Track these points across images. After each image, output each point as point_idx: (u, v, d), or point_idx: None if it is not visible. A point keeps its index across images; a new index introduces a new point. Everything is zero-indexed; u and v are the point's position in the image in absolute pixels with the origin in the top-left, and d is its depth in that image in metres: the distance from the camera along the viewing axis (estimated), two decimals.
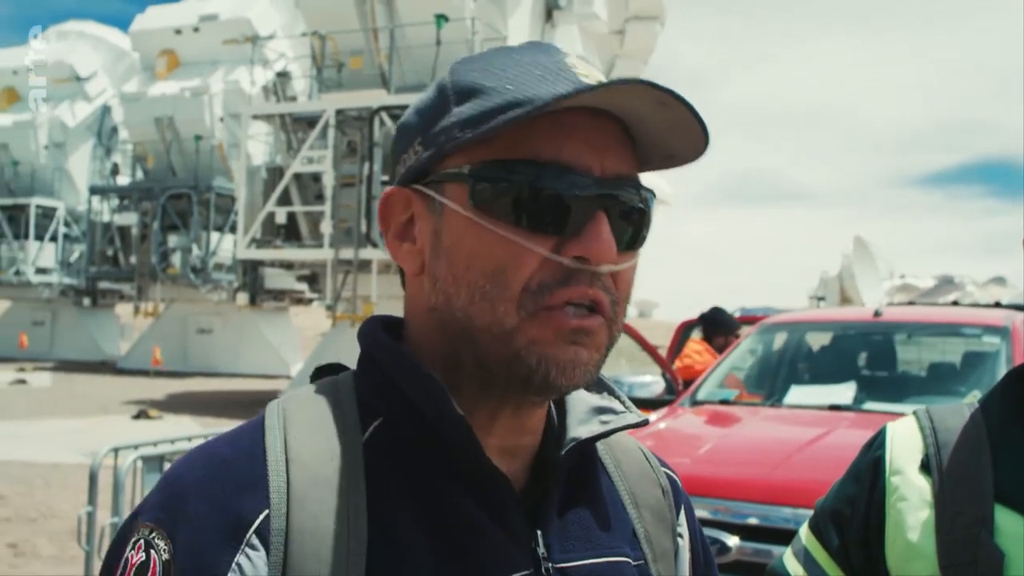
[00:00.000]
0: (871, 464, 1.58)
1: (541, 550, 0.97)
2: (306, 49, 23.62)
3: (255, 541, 0.86)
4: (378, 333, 1.01)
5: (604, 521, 1.05)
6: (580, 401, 1.07)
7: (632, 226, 0.96)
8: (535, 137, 0.91)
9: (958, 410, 1.55)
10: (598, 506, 1.05)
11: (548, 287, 0.91)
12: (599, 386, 1.09)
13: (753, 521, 4.11)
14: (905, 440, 1.55)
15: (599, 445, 1.10)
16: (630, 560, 1.04)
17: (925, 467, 1.50)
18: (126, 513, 5.21)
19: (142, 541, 0.88)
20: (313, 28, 22.01)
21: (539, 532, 0.98)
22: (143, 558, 0.87)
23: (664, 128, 0.94)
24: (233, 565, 0.85)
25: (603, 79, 0.94)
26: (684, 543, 1.15)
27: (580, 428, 1.04)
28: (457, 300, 0.93)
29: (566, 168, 0.91)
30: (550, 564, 0.97)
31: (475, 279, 0.92)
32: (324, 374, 1.06)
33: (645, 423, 1.08)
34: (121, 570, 0.89)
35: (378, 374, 0.99)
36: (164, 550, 0.87)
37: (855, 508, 1.57)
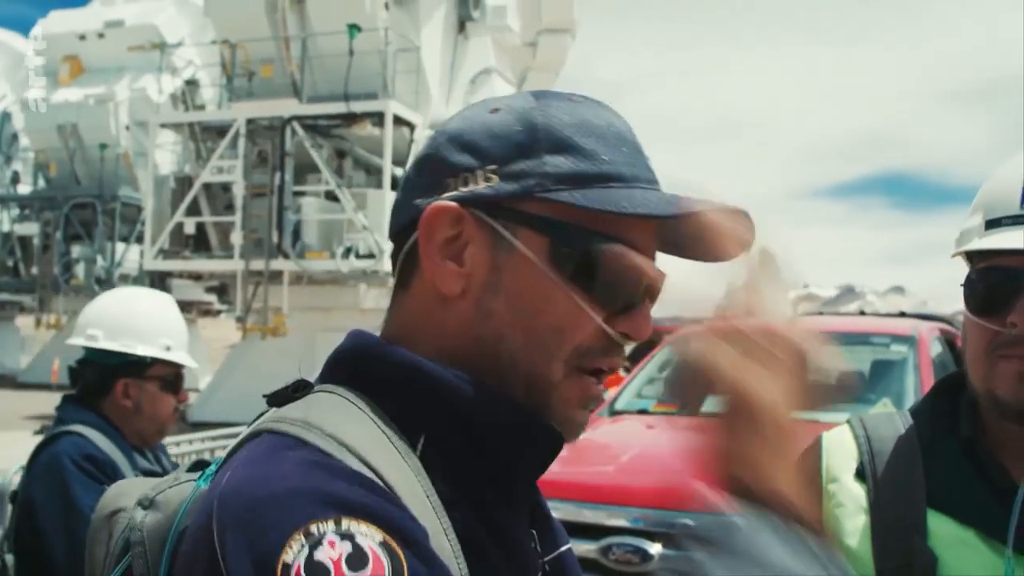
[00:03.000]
0: (808, 472, 1.62)
1: (537, 547, 1.03)
2: (215, 57, 23.23)
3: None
4: (401, 349, 0.97)
5: (549, 513, 1.12)
6: None
7: None
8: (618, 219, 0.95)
9: (890, 419, 1.60)
10: (540, 498, 1.10)
11: (593, 353, 0.96)
12: None
13: (676, 529, 4.17)
14: (840, 448, 1.60)
15: None
16: (571, 545, 1.13)
17: (860, 474, 1.54)
18: None
19: (331, 537, 0.76)
20: (223, 36, 21.68)
21: (534, 531, 1.04)
22: (348, 548, 0.76)
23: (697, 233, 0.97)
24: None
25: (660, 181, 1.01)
26: None
27: None
28: (511, 341, 0.95)
29: (636, 249, 0.97)
30: (542, 560, 1.03)
31: (537, 328, 0.95)
32: (282, 397, 0.98)
33: None
34: (310, 571, 0.75)
35: (415, 391, 0.95)
36: (372, 531, 0.78)
37: None
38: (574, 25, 25.33)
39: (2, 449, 14.16)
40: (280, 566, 0.75)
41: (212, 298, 27.90)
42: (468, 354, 0.97)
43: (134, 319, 2.91)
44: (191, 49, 26.19)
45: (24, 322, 36.70)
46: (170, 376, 2.93)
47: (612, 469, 4.64)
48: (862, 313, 8.40)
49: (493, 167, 0.97)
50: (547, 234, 0.95)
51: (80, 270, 29.75)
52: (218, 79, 23.06)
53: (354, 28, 19.38)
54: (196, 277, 24.30)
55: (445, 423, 0.95)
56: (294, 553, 0.75)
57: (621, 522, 4.16)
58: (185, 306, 28.08)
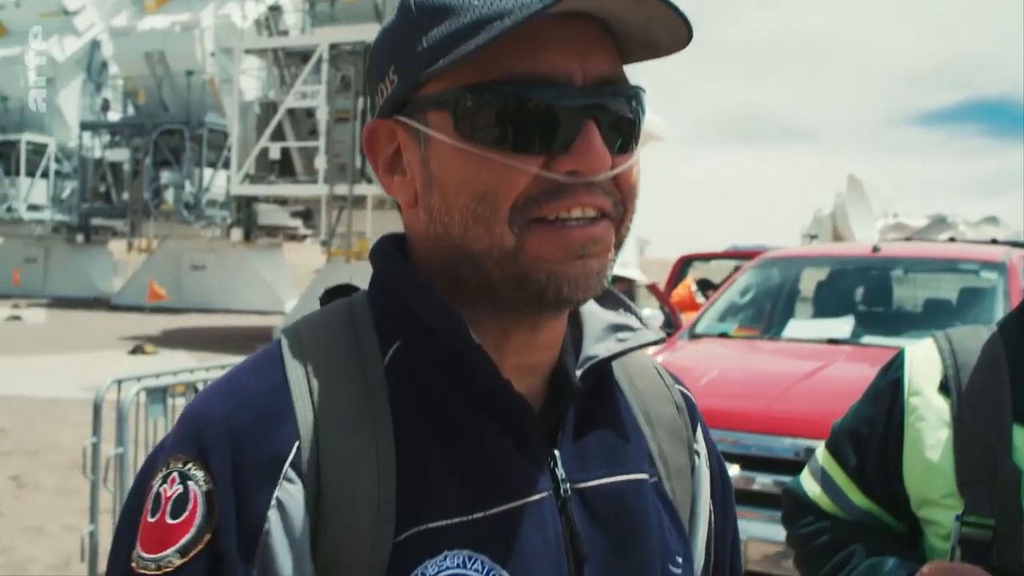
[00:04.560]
0: (890, 385, 1.60)
1: (560, 471, 0.96)
2: None
3: (291, 474, 0.86)
4: (392, 257, 0.99)
5: (621, 440, 1.04)
6: (596, 318, 1.05)
7: (625, 126, 0.93)
8: (510, 53, 0.88)
9: (976, 332, 1.57)
10: (615, 425, 1.04)
11: (535, 201, 0.89)
12: (615, 302, 1.07)
13: (753, 451, 4.17)
14: (924, 362, 1.57)
15: (613, 362, 1.06)
16: (647, 477, 1.04)
17: (944, 388, 1.52)
18: (130, 444, 5.26)
19: (175, 474, 0.86)
20: None
21: (557, 452, 0.97)
22: (180, 490, 0.86)
23: (643, 21, 0.90)
24: (273, 500, 0.85)
25: None
26: (702, 460, 1.14)
27: (597, 346, 1.03)
28: (453, 228, 0.91)
29: (546, 80, 0.88)
30: (568, 484, 0.96)
31: (466, 204, 0.90)
32: (335, 296, 1.04)
33: (663, 340, 1.08)
34: (153, 505, 0.86)
35: (394, 297, 0.97)
36: (204, 481, 0.85)
37: (873, 428, 1.59)
38: None
39: (98, 366, 14.66)
40: (149, 487, 0.88)
41: (297, 223, 28.24)
42: (433, 255, 0.96)
43: None
44: None
45: (116, 246, 37.67)
46: (626, 293, 2.94)
47: (689, 391, 4.64)
48: (952, 240, 8.19)
49: (393, 67, 0.94)
50: (445, 108, 0.90)
51: (169, 195, 30.36)
52: (301, 4, 23.14)
53: None
54: (281, 202, 24.64)
55: (414, 332, 0.95)
56: (157, 479, 0.88)
57: None
58: (270, 231, 28.63)
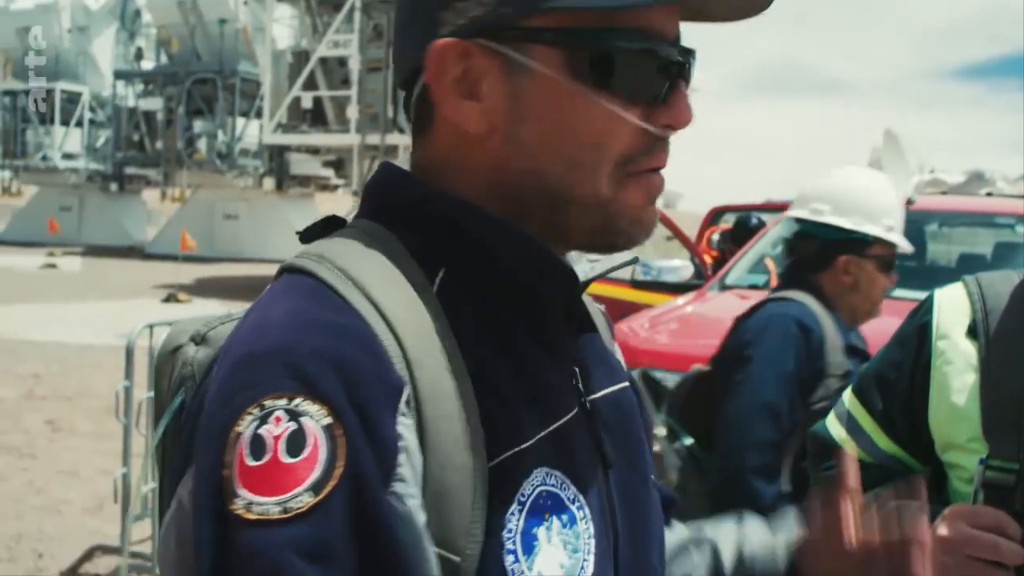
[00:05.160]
0: (917, 329, 1.58)
1: (580, 386, 1.00)
2: None
3: (404, 408, 0.82)
4: (424, 184, 0.97)
5: (606, 352, 1.10)
6: None
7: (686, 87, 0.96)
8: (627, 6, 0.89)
9: (1007, 277, 1.55)
10: (598, 340, 1.10)
11: (636, 157, 0.92)
12: None
13: None
14: (953, 305, 1.56)
15: None
16: (628, 385, 1.10)
17: (972, 332, 1.50)
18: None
19: (278, 412, 0.78)
20: None
21: (576, 369, 1.00)
22: (292, 427, 0.77)
23: None
24: (397, 432, 0.80)
25: None
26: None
27: (576, 268, 1.03)
28: (552, 168, 0.91)
29: (657, 35, 0.91)
30: (586, 398, 1.00)
31: (573, 149, 0.91)
32: (326, 228, 0.99)
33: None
34: (252, 448, 0.77)
35: (433, 223, 0.94)
36: (321, 414, 0.78)
37: (900, 372, 1.58)
38: None
39: (132, 313, 14.81)
40: (232, 434, 0.78)
41: (329, 172, 28.26)
42: (511, 191, 0.94)
43: (862, 197, 2.91)
44: None
45: (150, 195, 37.90)
46: (888, 257, 2.94)
47: (718, 341, 4.61)
48: (988, 195, 8.07)
49: None
50: (560, 45, 0.89)
51: (202, 144, 30.43)
52: None
53: None
54: (313, 151, 24.67)
55: (465, 256, 0.94)
56: (246, 424, 0.78)
57: None
58: (302, 180, 28.68)
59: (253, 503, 0.76)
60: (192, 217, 31.32)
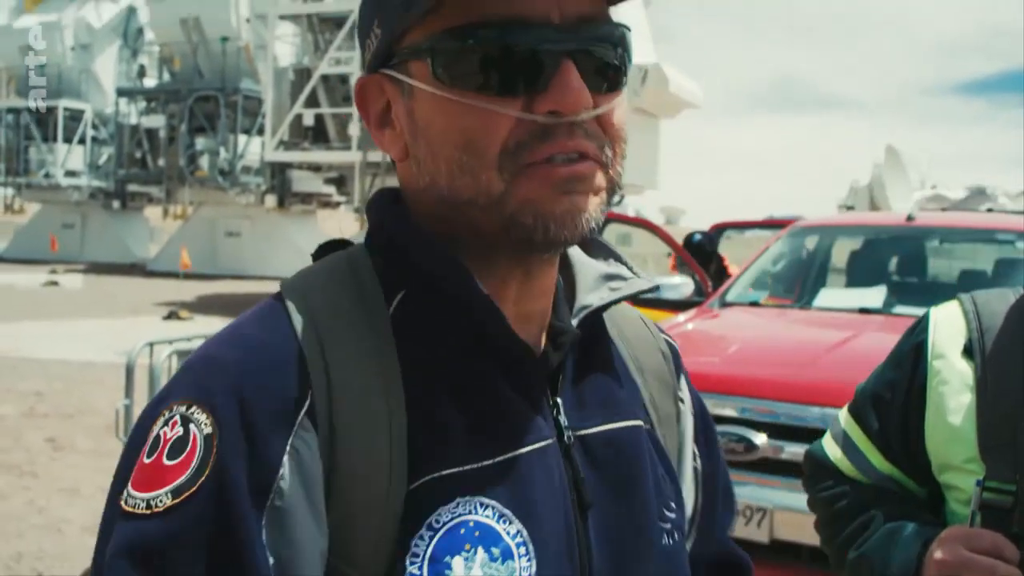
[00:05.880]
0: (913, 348, 1.58)
1: (562, 418, 0.97)
2: None
3: (307, 423, 0.84)
4: (390, 207, 1.00)
5: (616, 387, 1.06)
6: (588, 268, 1.06)
7: (608, 66, 0.92)
8: None
9: (1003, 295, 1.54)
10: (610, 373, 1.06)
11: (526, 144, 0.88)
12: (605, 252, 1.08)
13: (781, 420, 4.14)
14: (949, 324, 1.55)
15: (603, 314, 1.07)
16: (642, 424, 1.06)
17: (968, 351, 1.50)
18: None
19: (177, 417, 0.84)
20: None
21: (559, 400, 0.98)
22: (180, 432, 0.83)
23: None
24: (289, 448, 0.83)
25: None
26: (686, 407, 1.16)
27: (591, 295, 1.03)
28: (440, 178, 0.91)
29: (522, 22, 0.87)
30: (571, 432, 0.97)
31: (451, 153, 0.90)
32: (328, 250, 1.03)
33: (656, 288, 1.08)
34: (151, 446, 0.84)
35: (395, 248, 0.97)
36: (205, 424, 0.83)
37: (895, 392, 1.58)
38: None
39: (133, 331, 14.82)
40: (150, 429, 0.86)
41: (331, 189, 28.31)
42: (426, 208, 0.95)
43: None
44: None
45: (152, 212, 37.95)
46: None
47: (719, 359, 4.61)
48: (990, 211, 8.07)
49: (376, 21, 0.94)
50: (423, 56, 0.90)
51: (204, 162, 30.49)
52: None
53: None
54: (315, 168, 24.73)
55: (417, 282, 0.95)
56: (158, 425, 0.85)
57: (727, 411, 4.14)
58: (304, 198, 28.72)
59: (130, 496, 0.83)
60: (194, 234, 31.37)
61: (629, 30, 0.95)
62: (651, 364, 1.13)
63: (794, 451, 4.08)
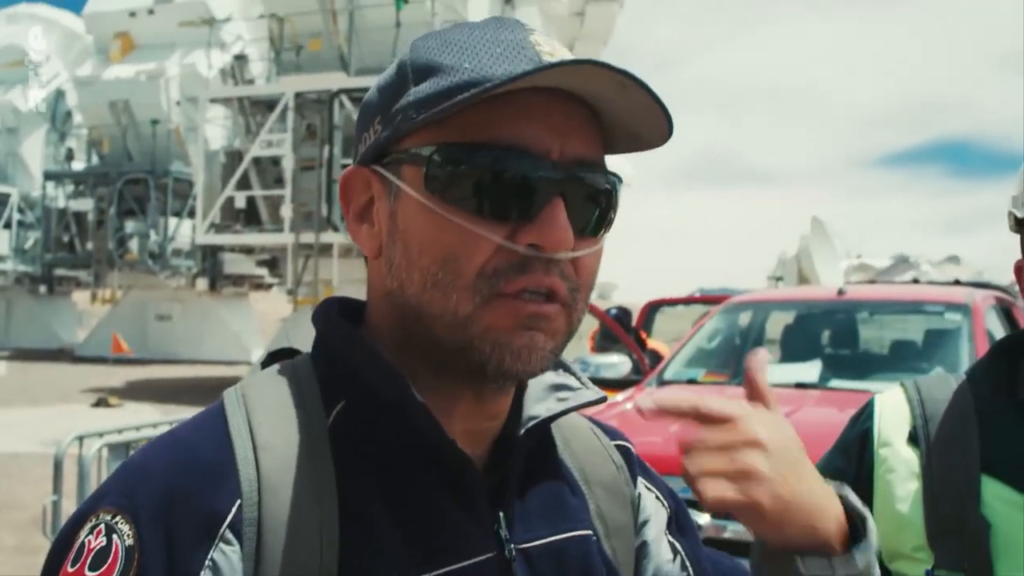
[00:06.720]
0: (859, 436, 1.58)
1: (503, 532, 0.96)
2: (264, 31, 23.41)
3: (229, 535, 0.84)
4: (333, 317, 0.99)
5: (563, 498, 1.04)
6: (536, 379, 1.04)
7: (595, 211, 0.93)
8: (493, 119, 0.88)
9: (945, 381, 1.55)
10: (557, 483, 1.05)
11: (503, 273, 0.88)
12: (555, 363, 1.05)
13: None
14: (893, 412, 1.56)
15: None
16: (590, 534, 1.04)
17: (913, 439, 1.50)
18: None
19: (102, 525, 0.84)
20: (271, 10, 21.84)
21: (501, 513, 0.96)
22: (103, 543, 0.84)
23: (627, 110, 0.91)
24: (207, 561, 0.82)
25: (567, 56, 0.91)
26: (651, 506, 1.14)
27: (538, 406, 1.03)
28: (410, 286, 0.91)
29: (522, 151, 0.88)
30: (512, 545, 0.95)
31: (427, 266, 0.89)
32: (277, 358, 1.02)
33: (603, 400, 1.06)
34: (76, 555, 0.84)
35: (337, 358, 0.97)
36: (128, 535, 0.83)
37: (843, 480, 1.57)
38: None
39: (61, 419, 14.46)
40: (76, 535, 0.87)
41: (263, 272, 28.12)
42: (388, 311, 0.95)
43: None
44: (240, 24, 26.35)
45: (80, 297, 37.32)
46: None
47: (659, 439, 4.60)
48: (915, 282, 8.27)
49: (379, 118, 0.95)
50: (419, 164, 0.90)
51: (134, 245, 30.15)
52: (267, 53, 23.22)
53: (401, 0, 19.36)
54: (247, 251, 24.55)
55: (357, 393, 0.94)
56: (85, 530, 0.86)
57: None
58: (236, 280, 28.50)
59: None
60: (124, 318, 30.88)
61: (621, 181, 0.96)
62: (600, 476, 1.10)
63: (737, 529, 4.07)
